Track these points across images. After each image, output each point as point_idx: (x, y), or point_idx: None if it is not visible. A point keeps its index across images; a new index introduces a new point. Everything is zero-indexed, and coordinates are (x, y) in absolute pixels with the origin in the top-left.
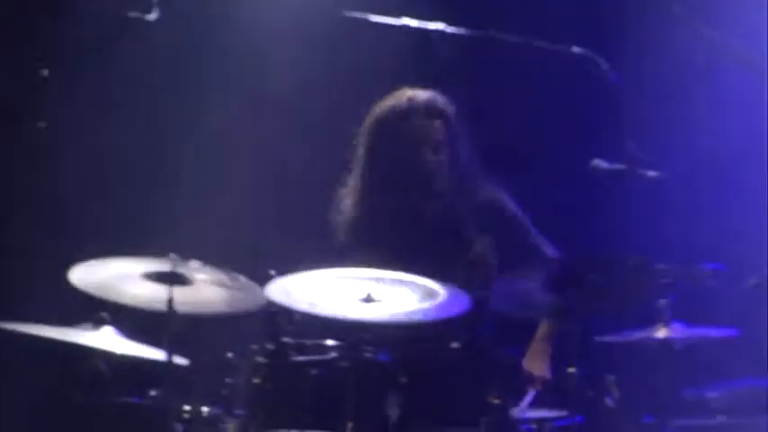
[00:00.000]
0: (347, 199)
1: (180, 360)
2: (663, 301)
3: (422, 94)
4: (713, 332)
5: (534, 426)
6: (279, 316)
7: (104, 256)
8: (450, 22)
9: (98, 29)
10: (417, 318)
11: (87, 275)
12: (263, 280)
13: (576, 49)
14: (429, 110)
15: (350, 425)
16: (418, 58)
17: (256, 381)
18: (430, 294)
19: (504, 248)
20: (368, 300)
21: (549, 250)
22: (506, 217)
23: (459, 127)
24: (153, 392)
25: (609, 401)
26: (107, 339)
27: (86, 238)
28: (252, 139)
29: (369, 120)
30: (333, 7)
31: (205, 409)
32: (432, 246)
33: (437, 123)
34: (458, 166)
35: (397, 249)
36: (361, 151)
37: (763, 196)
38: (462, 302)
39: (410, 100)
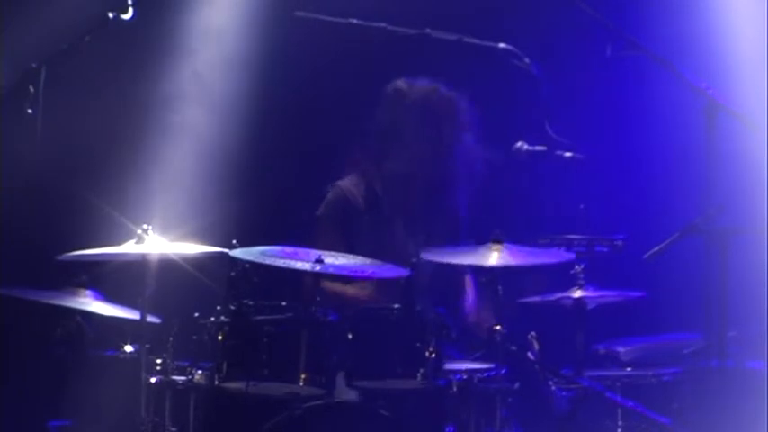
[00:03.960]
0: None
1: (153, 319)
2: (578, 267)
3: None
4: (621, 294)
5: (464, 376)
6: (240, 279)
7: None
8: (391, 22)
9: (81, 25)
10: (359, 273)
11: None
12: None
13: (501, 46)
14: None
15: (303, 376)
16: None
17: (220, 337)
18: (371, 263)
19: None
20: (319, 260)
21: None
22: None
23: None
24: (129, 347)
25: (530, 355)
26: (87, 301)
27: (70, 216)
28: (217, 130)
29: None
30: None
31: (175, 363)
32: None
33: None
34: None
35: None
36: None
37: (662, 176)
38: (398, 271)
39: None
